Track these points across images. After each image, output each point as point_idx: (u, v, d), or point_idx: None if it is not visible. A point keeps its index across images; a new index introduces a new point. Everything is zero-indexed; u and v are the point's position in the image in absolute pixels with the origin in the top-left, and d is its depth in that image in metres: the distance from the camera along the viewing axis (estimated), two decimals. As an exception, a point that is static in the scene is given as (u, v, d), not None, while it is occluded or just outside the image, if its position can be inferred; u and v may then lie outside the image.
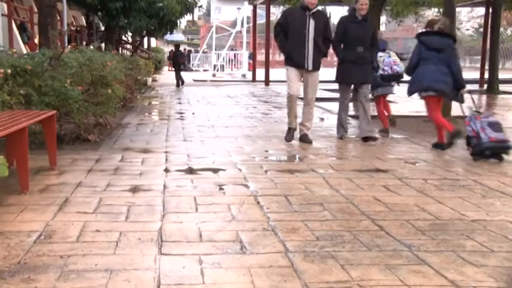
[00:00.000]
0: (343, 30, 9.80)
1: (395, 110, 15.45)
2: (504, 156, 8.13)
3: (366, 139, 9.67)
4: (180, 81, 25.70)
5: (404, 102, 18.19)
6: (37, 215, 5.11)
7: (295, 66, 9.55)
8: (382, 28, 49.37)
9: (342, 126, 10.14)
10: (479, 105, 10.98)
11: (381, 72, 10.51)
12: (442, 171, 7.21)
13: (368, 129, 9.77)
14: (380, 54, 10.52)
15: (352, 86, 10.17)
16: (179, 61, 27.30)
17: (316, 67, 9.58)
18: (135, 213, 5.23)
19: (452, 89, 8.89)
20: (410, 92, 9.23)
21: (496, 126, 8.31)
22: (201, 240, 4.50)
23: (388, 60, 10.52)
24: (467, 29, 53.31)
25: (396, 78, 10.68)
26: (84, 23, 31.08)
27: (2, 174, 3.08)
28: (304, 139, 9.61)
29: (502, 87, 24.46)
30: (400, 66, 10.53)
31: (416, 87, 9.10)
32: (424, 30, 9.74)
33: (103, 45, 22.37)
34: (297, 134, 9.75)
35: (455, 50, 9.20)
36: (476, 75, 28.22)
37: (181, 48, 33.16)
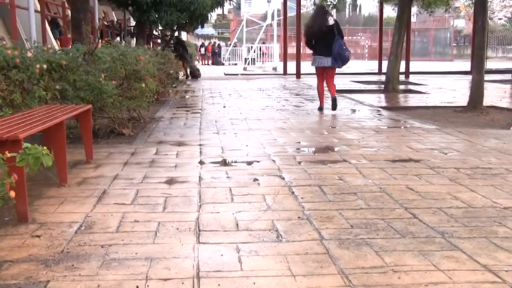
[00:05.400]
0: None
1: (428, 101, 15.47)
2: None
3: None
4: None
5: (436, 93, 18.18)
6: (77, 207, 5.23)
7: None
8: (413, 19, 48.96)
9: None
10: None
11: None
12: (474, 160, 7.22)
13: None
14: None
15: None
16: None
17: None
18: (172, 204, 5.33)
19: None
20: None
21: (195, 69, 28.14)
22: (238, 229, 4.58)
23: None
24: (500, 18, 52.53)
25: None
26: (114, 18, 31.30)
27: (46, 164, 3.18)
28: None
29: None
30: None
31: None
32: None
33: (133, 41, 22.53)
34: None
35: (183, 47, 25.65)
36: (508, 64, 27.94)
37: (212, 42, 33.91)
